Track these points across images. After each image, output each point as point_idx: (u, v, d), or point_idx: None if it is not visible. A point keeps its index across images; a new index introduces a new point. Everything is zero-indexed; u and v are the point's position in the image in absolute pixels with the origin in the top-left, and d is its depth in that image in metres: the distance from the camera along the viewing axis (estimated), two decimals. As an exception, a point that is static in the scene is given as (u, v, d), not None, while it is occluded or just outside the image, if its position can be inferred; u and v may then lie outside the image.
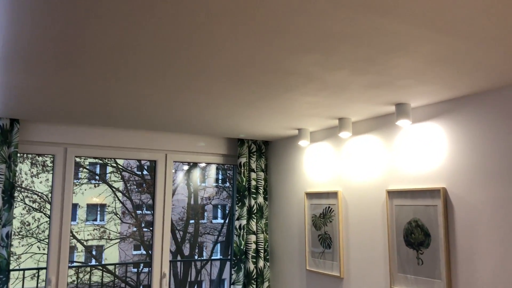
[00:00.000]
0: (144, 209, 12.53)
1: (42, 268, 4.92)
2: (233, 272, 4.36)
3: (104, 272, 10.15)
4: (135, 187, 11.77)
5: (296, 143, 4.26)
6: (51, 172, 5.72)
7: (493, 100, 2.58)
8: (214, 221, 14.69)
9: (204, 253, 13.47)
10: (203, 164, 10.65)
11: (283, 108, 3.09)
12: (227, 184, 12.53)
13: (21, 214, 10.21)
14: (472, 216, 2.64)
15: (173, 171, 4.38)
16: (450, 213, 2.77)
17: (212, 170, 12.21)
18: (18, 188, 9.74)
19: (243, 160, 4.44)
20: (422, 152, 2.97)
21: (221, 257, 13.08)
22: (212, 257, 13.19)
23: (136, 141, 4.15)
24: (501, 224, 2.48)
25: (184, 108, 3.14)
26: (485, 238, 2.56)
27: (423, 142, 2.97)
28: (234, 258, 4.36)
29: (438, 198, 2.83)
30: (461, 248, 2.68)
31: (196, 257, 12.21)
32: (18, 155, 4.25)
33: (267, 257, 4.49)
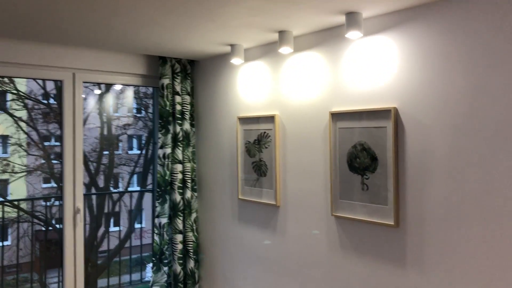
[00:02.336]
0: (53, 140, 11.56)
1: None
2: (157, 204, 3.98)
3: (9, 208, 9.32)
4: (40, 116, 10.70)
5: (228, 62, 3.81)
6: None
7: (451, 10, 2.31)
8: (130, 152, 14.08)
9: (120, 185, 12.94)
10: (118, 87, 9.79)
11: (213, 15, 2.62)
12: (143, 114, 11.86)
13: None
14: (426, 138, 2.44)
15: (83, 96, 3.78)
16: (400, 135, 2.56)
17: (127, 99, 11.39)
18: None
19: (166, 81, 3.93)
20: (372, 69, 2.69)
21: (139, 188, 12.64)
22: (131, 189, 12.71)
23: (37, 57, 3.46)
24: (457, 147, 2.31)
25: (92, 14, 2.55)
26: (439, 161, 2.39)
27: (373, 58, 2.68)
28: (158, 190, 3.98)
29: (388, 119, 2.60)
30: (411, 173, 2.51)
31: (112, 189, 11.66)
32: None
33: (195, 187, 4.15)
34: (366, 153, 2.73)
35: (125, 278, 8.04)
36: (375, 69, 2.67)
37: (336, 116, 2.90)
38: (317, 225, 3.06)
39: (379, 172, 2.66)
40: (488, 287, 2.20)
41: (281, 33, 3.01)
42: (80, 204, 3.73)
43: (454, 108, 2.32)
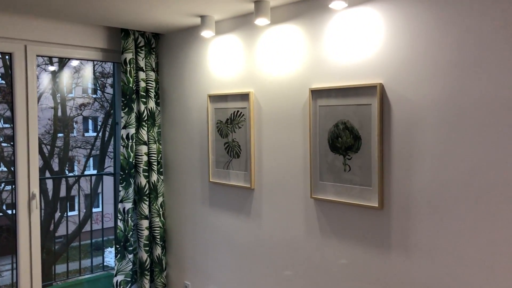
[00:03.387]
0: (1, 121, 10.88)
1: None
2: (120, 188, 3.72)
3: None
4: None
5: (198, 35, 3.56)
6: None
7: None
8: (86, 134, 13.51)
9: (76, 168, 12.41)
10: (74, 64, 9.23)
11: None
12: (99, 94, 11.33)
13: None
14: (413, 116, 2.31)
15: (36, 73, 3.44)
16: (386, 113, 2.42)
17: (83, 78, 10.81)
18: None
19: (129, 56, 3.64)
20: (356, 42, 2.53)
21: (96, 171, 12.16)
22: (88, 172, 12.23)
23: (-19, 26, 3.09)
24: (446, 126, 2.19)
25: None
26: (426, 141, 2.27)
27: (358, 30, 2.52)
28: (121, 173, 3.71)
29: (373, 96, 2.46)
30: (397, 153, 2.38)
31: (67, 172, 11.16)
32: None
33: (161, 170, 3.91)
34: (349, 132, 2.58)
35: (86, 262, 7.70)
36: (359, 42, 2.51)
37: (317, 93, 2.73)
38: (295, 208, 2.90)
39: (363, 152, 2.52)
40: (475, 269, 2.11)
41: (257, 3, 2.79)
42: (35, 189, 3.42)
43: (444, 84, 2.20)
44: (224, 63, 3.33)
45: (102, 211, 9.06)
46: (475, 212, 2.11)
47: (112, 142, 7.57)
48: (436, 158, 2.24)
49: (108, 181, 5.29)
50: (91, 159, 12.27)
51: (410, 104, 2.32)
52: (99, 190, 10.02)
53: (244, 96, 3.17)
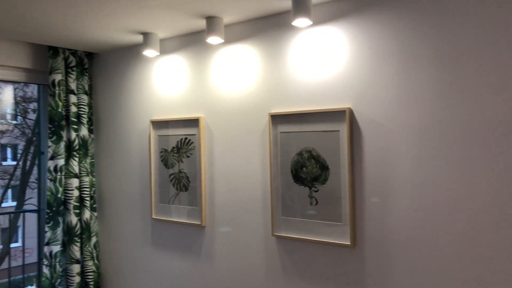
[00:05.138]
0: None
1: None
2: (47, 228, 3.21)
3: None
4: None
5: (139, 55, 3.20)
6: None
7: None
8: (4, 163, 12.42)
9: (-8, 200, 11.30)
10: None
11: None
12: (19, 121, 10.45)
13: None
14: (387, 142, 2.11)
15: None
16: (356, 139, 2.21)
17: (0, 103, 9.90)
18: None
19: (58, 77, 3.20)
20: (321, 64, 2.31)
21: (16, 204, 11.10)
22: (5, 205, 11.15)
23: None
24: (422, 153, 2.00)
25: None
26: (402, 169, 2.06)
27: (323, 51, 2.30)
28: (48, 210, 3.21)
29: (341, 121, 2.23)
30: (370, 183, 2.16)
31: (-18, 205, 10.12)
32: None
33: (95, 206, 3.44)
34: (315, 161, 2.34)
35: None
36: (325, 64, 2.30)
37: (277, 119, 2.47)
38: (254, 248, 2.59)
39: (331, 183, 2.28)
40: (466, 313, 1.91)
41: (210, 19, 2.51)
42: None
43: (417, 108, 2.02)
44: (171, 85, 2.99)
45: (24, 246, 8.20)
46: (459, 247, 1.91)
47: (36, 172, 6.87)
48: (414, 188, 2.03)
49: (31, 215, 4.71)
50: (9, 190, 11.25)
51: (382, 130, 2.12)
52: (19, 223, 9.11)
53: (193, 122, 2.85)
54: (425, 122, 2.00)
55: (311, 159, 2.35)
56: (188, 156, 2.88)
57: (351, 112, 2.21)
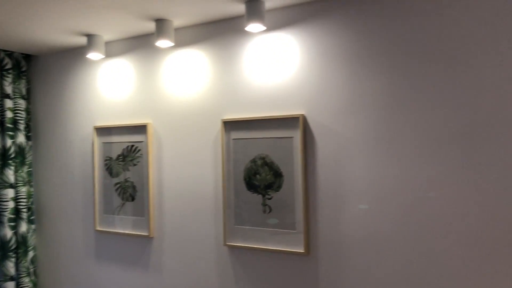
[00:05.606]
0: None
1: None
2: (-23, 244, 2.95)
3: None
4: None
5: (82, 58, 3.03)
6: None
7: (356, 6, 2.03)
8: None
9: None
10: None
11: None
12: None
13: None
14: (340, 148, 2.11)
15: None
16: (310, 146, 2.19)
17: None
18: None
19: (-8, 80, 2.97)
20: (275, 70, 2.29)
21: None
22: None
23: None
24: (376, 159, 2.02)
25: None
26: (355, 176, 2.07)
27: (277, 57, 2.28)
28: (-21, 224, 2.96)
29: (295, 128, 2.21)
30: (324, 189, 2.15)
31: None
32: None
33: (32, 218, 3.21)
34: (269, 168, 2.30)
35: None
36: (279, 70, 2.27)
37: (230, 125, 2.41)
38: (205, 258, 2.50)
39: (285, 191, 2.25)
40: (419, 317, 1.93)
41: (159, 22, 2.42)
42: None
43: (369, 113, 2.03)
44: (117, 90, 2.86)
45: None
46: (413, 251, 1.93)
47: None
48: (367, 193, 2.04)
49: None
50: None
51: (335, 136, 2.12)
52: None
53: (141, 128, 2.73)
54: (377, 128, 2.01)
55: (265, 166, 2.31)
56: (135, 164, 2.76)
57: (304, 118, 2.20)
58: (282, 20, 2.25)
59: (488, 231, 1.79)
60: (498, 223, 1.77)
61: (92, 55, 2.71)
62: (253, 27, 2.18)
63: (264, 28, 2.21)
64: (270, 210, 2.29)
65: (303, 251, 2.19)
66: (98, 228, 2.92)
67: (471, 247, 1.82)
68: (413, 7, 1.93)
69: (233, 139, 2.40)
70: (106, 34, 2.69)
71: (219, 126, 2.45)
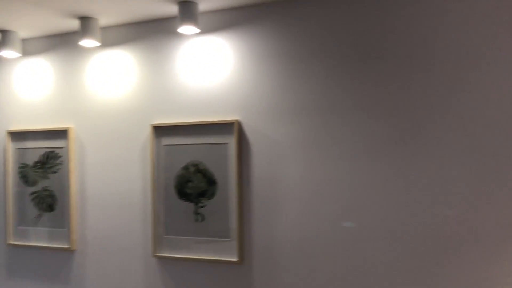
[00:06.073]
0: None
1: None
2: None
3: None
4: None
5: (-9, 56, 2.76)
6: None
7: (290, 11, 2.05)
8: None
9: None
10: None
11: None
12: None
13: None
14: (275, 155, 2.09)
15: None
16: (245, 152, 2.15)
17: None
18: None
19: None
20: (210, 74, 2.23)
21: None
22: None
23: None
24: (311, 166, 2.03)
25: None
26: (290, 183, 2.06)
27: (212, 61, 2.22)
28: None
29: (230, 134, 2.16)
30: (259, 197, 2.12)
31: None
32: None
33: None
34: (202, 175, 2.23)
35: None
36: (214, 74, 2.22)
37: (160, 130, 2.31)
38: (132, 271, 2.37)
39: (219, 198, 2.19)
40: (352, 322, 1.96)
41: (84, 20, 2.27)
42: None
43: (304, 119, 2.04)
44: (35, 92, 2.63)
45: None
46: (349, 258, 1.96)
47: None
48: (302, 199, 2.04)
49: None
50: None
51: (271, 142, 2.10)
52: None
53: (61, 133, 2.53)
54: (312, 132, 2.02)
55: (198, 173, 2.23)
56: (54, 172, 2.55)
57: (239, 124, 2.16)
58: (216, 23, 2.20)
59: (422, 233, 1.85)
60: (430, 225, 1.84)
61: (6, 53, 2.49)
62: (186, 29, 2.11)
63: (198, 30, 2.15)
64: (203, 219, 2.22)
65: (236, 260, 2.14)
66: (11, 242, 2.66)
67: (406, 249, 1.88)
68: (346, 11, 1.97)
69: (164, 145, 2.30)
70: (23, 30, 2.47)
71: (148, 131, 2.34)
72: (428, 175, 1.83)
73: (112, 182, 2.43)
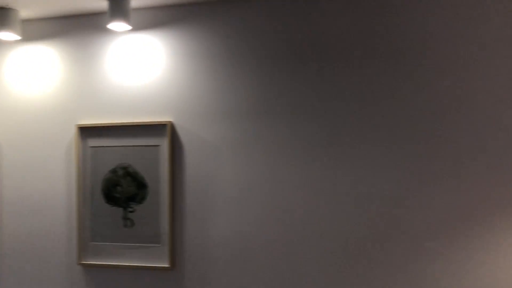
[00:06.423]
0: None
1: None
2: None
3: None
4: None
5: None
6: None
7: (225, 11, 2.04)
8: None
9: None
10: None
11: None
12: None
13: None
14: (209, 157, 2.06)
15: None
16: (178, 155, 2.10)
17: None
18: None
19: None
20: (142, 74, 2.14)
21: None
22: None
23: None
24: (245, 168, 2.02)
25: None
26: (224, 185, 2.04)
27: (144, 59, 2.14)
28: None
29: (162, 135, 2.10)
30: (192, 201, 2.07)
31: None
32: None
33: None
34: (132, 179, 2.13)
35: None
36: (146, 74, 2.14)
37: (87, 131, 2.18)
38: (54, 281, 2.22)
39: (150, 203, 2.11)
40: (285, 324, 1.97)
41: (1, 10, 2.10)
42: None
43: (237, 122, 2.03)
44: None
45: None
46: (283, 260, 1.96)
47: None
48: (233, 203, 2.02)
49: None
50: None
51: (205, 145, 2.06)
52: None
53: (-26, 133, 2.32)
54: (246, 135, 2.01)
55: (127, 177, 2.14)
56: (-35, 175, 2.33)
57: (172, 125, 2.10)
58: (149, 20, 2.13)
59: (350, 230, 1.90)
60: (357, 223, 1.89)
61: None
62: (117, 25, 2.02)
63: (130, 27, 2.06)
64: (133, 224, 2.13)
65: (168, 266, 2.07)
66: None
67: (336, 246, 1.92)
68: (281, 10, 1.98)
69: (91, 146, 2.18)
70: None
71: (73, 132, 2.21)
72: (354, 174, 1.89)
73: (31, 186, 2.26)
